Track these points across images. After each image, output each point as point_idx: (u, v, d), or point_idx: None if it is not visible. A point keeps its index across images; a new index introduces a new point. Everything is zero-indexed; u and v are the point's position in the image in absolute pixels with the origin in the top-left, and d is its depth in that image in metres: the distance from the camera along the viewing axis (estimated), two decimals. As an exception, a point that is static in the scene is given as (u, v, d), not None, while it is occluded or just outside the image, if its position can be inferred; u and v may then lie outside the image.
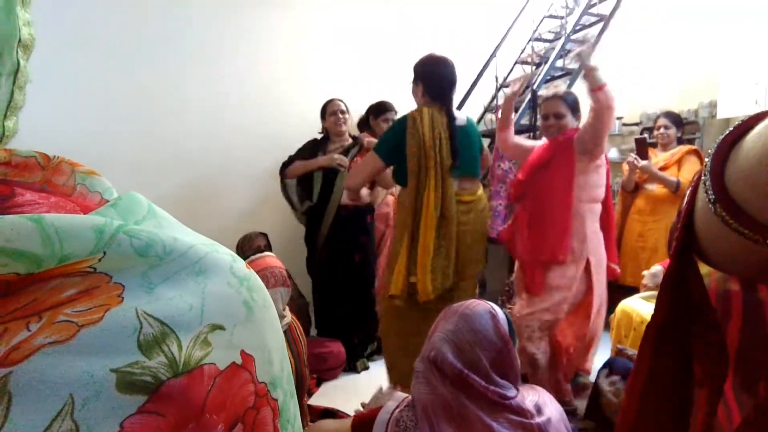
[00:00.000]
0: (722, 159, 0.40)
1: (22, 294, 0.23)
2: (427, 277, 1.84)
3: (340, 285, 2.67)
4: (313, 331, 2.77)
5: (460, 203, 1.96)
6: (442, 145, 1.89)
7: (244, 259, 0.32)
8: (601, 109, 1.88)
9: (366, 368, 2.67)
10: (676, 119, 3.00)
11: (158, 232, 0.27)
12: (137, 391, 0.22)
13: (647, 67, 4.13)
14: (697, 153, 2.88)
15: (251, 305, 0.29)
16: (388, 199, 2.92)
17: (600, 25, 3.52)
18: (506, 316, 1.07)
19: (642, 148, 2.89)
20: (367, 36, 3.57)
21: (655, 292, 2.06)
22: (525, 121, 3.39)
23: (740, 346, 0.52)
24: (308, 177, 2.69)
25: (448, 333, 1.02)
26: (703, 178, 0.41)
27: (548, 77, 3.53)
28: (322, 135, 2.78)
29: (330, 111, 2.72)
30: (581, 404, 2.01)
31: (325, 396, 2.36)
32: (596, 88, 1.89)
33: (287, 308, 1.65)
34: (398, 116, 2.65)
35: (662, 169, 2.86)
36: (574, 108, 2.11)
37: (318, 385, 2.46)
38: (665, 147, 2.97)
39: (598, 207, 2.10)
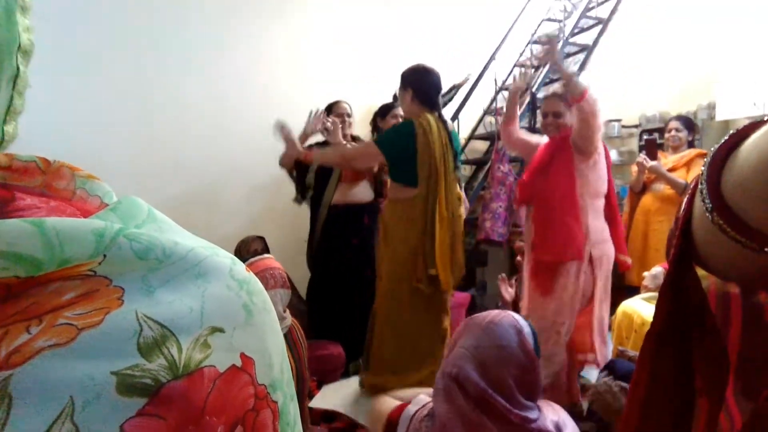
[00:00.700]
0: (719, 167, 0.40)
1: (22, 297, 0.23)
2: (447, 270, 2.05)
3: (333, 287, 2.64)
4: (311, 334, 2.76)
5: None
6: (447, 149, 2.09)
7: (242, 263, 0.32)
8: (587, 118, 1.92)
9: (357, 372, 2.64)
10: (688, 123, 3.00)
11: (158, 236, 0.27)
12: (137, 393, 0.22)
13: (646, 69, 4.14)
14: (706, 157, 2.88)
15: (251, 308, 0.29)
16: None
17: (598, 28, 3.53)
18: (531, 328, 1.03)
19: (651, 149, 2.90)
20: (367, 37, 3.58)
21: (655, 294, 2.06)
22: (524, 123, 3.39)
23: (741, 351, 0.52)
24: (303, 175, 2.69)
25: (470, 349, 0.96)
26: (699, 186, 0.41)
27: (547, 80, 3.54)
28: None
29: (335, 113, 2.70)
30: (582, 405, 2.01)
31: (325, 398, 2.36)
32: (578, 98, 1.91)
33: (287, 311, 1.65)
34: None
35: (670, 170, 2.86)
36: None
37: (319, 387, 2.46)
38: (676, 150, 2.96)
39: (601, 202, 2.12)
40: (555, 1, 4.00)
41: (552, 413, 0.98)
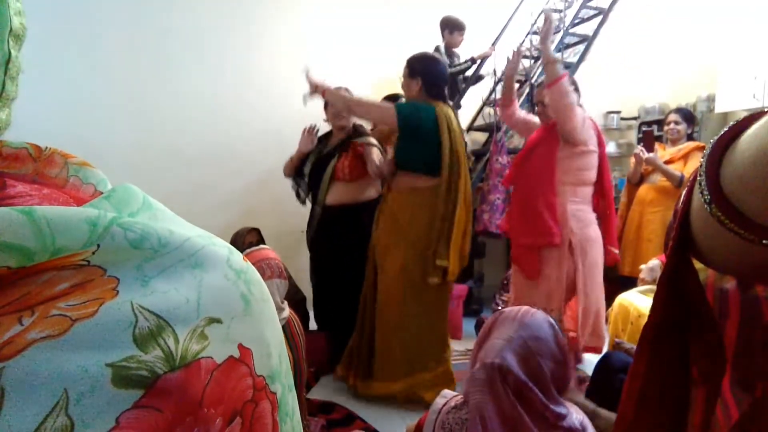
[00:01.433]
0: (717, 159, 0.40)
1: (14, 288, 0.22)
2: (457, 262, 2.07)
3: (331, 283, 2.56)
4: (313, 326, 2.76)
5: None
6: (463, 139, 2.12)
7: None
8: (555, 106, 1.99)
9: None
10: (687, 115, 3.00)
11: (153, 225, 0.26)
12: (133, 385, 0.22)
13: (645, 61, 4.12)
14: (704, 150, 2.89)
15: (249, 298, 0.29)
16: None
17: (599, 19, 3.50)
18: (558, 327, 1.03)
19: (649, 141, 2.90)
20: (367, 27, 3.56)
21: (652, 287, 2.07)
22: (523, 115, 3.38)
23: (738, 344, 0.52)
24: (302, 172, 2.66)
25: (510, 340, 0.95)
26: (698, 178, 0.41)
27: (547, 70, 3.52)
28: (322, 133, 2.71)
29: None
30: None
31: (324, 389, 2.37)
32: (550, 83, 1.98)
33: (285, 302, 1.65)
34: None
35: (668, 163, 2.86)
36: None
37: (317, 378, 2.47)
38: (675, 143, 2.97)
39: (587, 189, 2.15)
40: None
41: (576, 412, 0.98)
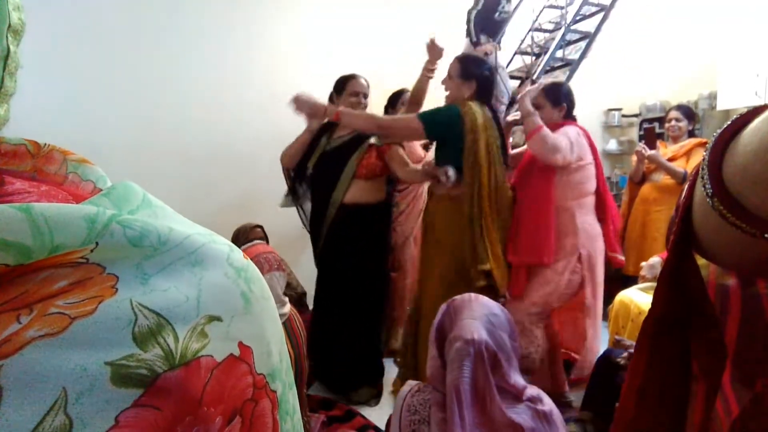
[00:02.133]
0: (720, 153, 0.40)
1: (11, 286, 0.22)
2: (503, 268, 1.98)
3: (340, 292, 2.29)
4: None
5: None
6: (494, 141, 2.02)
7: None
8: (538, 154, 2.00)
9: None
10: (688, 112, 2.97)
11: (153, 222, 0.26)
12: (132, 384, 0.22)
13: (647, 59, 4.11)
14: (706, 145, 2.88)
15: (249, 296, 0.29)
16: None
17: (600, 16, 3.49)
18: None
19: (651, 138, 2.88)
20: (370, 23, 3.54)
21: (653, 284, 2.07)
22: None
23: (738, 340, 0.52)
24: (302, 171, 2.39)
25: (479, 318, 1.04)
26: (700, 172, 0.41)
27: (548, 68, 3.51)
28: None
29: (350, 90, 2.30)
30: (577, 395, 2.03)
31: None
32: (528, 135, 2.01)
33: (286, 297, 1.65)
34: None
35: (670, 160, 2.84)
36: (554, 99, 2.12)
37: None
38: (676, 140, 2.94)
39: (589, 199, 2.12)
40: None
41: (530, 386, 1.07)
